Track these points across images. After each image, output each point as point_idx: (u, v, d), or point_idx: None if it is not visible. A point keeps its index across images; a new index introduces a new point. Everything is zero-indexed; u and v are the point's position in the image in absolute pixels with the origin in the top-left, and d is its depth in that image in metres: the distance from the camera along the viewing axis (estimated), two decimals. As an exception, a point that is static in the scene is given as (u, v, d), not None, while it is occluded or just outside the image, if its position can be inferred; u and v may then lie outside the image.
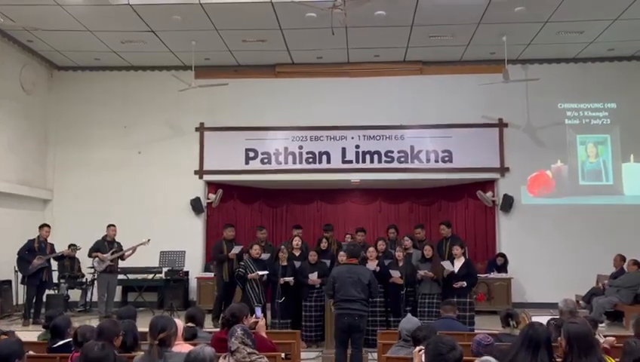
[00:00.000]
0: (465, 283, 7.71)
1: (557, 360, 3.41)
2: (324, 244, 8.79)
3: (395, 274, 7.70)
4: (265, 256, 8.45)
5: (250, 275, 8.00)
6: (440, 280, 7.76)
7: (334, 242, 9.43)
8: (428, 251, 7.98)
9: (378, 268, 7.74)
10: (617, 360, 3.69)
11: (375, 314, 7.63)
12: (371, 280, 6.36)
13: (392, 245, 8.83)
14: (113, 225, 9.76)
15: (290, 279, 7.88)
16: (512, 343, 3.53)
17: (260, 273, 7.97)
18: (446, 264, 7.78)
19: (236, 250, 9.01)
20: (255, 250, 8.24)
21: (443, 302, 6.55)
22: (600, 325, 5.98)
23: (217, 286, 9.39)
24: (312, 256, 8.09)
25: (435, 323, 5.85)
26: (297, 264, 8.22)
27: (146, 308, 10.20)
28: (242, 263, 8.31)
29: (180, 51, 11.09)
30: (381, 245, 8.50)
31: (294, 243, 8.52)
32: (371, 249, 8.04)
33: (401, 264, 7.88)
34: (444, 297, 7.61)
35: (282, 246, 8.41)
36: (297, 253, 8.45)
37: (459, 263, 7.96)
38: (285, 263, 8.02)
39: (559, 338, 3.46)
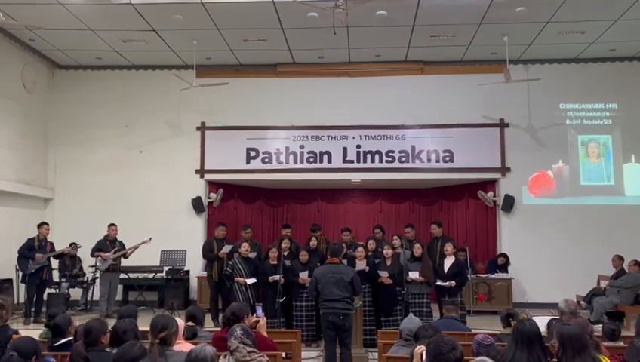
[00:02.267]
0: (454, 283, 7.71)
1: (553, 360, 3.43)
2: (313, 243, 8.74)
3: (384, 275, 7.68)
4: (252, 255, 8.43)
5: (237, 279, 8.00)
6: (430, 282, 7.75)
7: (323, 241, 9.41)
8: (417, 250, 7.95)
9: (367, 268, 7.73)
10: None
11: (364, 313, 7.60)
12: (354, 278, 6.35)
13: (379, 244, 8.79)
14: (114, 225, 9.80)
15: (278, 277, 7.82)
16: (508, 344, 3.54)
17: (248, 281, 7.96)
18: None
19: (226, 249, 8.99)
20: (244, 247, 8.24)
21: (445, 302, 6.57)
22: (596, 326, 5.98)
23: (209, 286, 9.39)
24: (303, 256, 8.03)
25: (437, 322, 5.85)
26: (287, 263, 8.19)
27: (147, 307, 10.22)
28: (230, 262, 8.31)
29: (182, 50, 11.10)
30: (371, 244, 8.48)
31: (283, 245, 8.39)
32: (360, 249, 8.00)
33: (389, 263, 7.86)
34: (435, 297, 7.61)
35: (274, 248, 8.33)
36: (286, 253, 8.41)
37: (449, 262, 7.95)
38: (276, 262, 8.01)
39: (552, 340, 3.47)
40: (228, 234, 9.70)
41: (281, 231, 9.67)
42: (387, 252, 7.93)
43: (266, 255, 8.34)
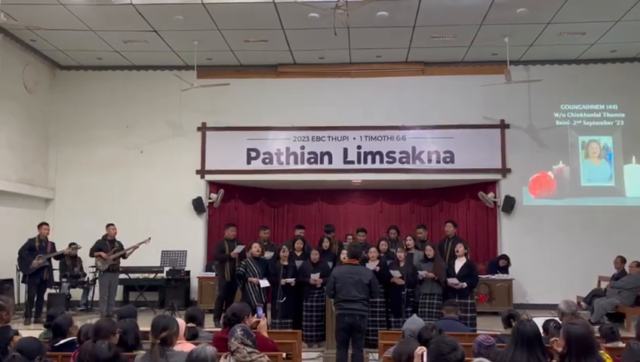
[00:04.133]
0: (465, 284, 7.69)
1: (553, 361, 3.42)
2: (325, 244, 8.77)
3: (396, 274, 7.69)
4: (268, 255, 8.45)
5: (251, 279, 8.02)
6: (441, 280, 7.74)
7: (335, 242, 9.42)
8: (429, 251, 7.96)
9: (379, 268, 7.73)
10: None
11: (375, 314, 7.63)
12: (372, 280, 6.36)
13: (393, 245, 8.82)
14: (113, 225, 9.78)
15: (291, 280, 7.89)
16: (507, 345, 3.53)
17: (262, 284, 7.98)
18: (450, 280, 7.72)
19: (238, 249, 9.01)
20: (255, 248, 8.26)
21: (445, 303, 6.53)
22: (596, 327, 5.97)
23: (219, 286, 9.39)
24: (315, 255, 8.08)
25: (437, 323, 5.85)
26: (299, 263, 8.23)
27: (148, 308, 10.22)
28: (243, 262, 8.33)
29: (182, 51, 11.11)
30: (383, 245, 8.47)
31: (296, 245, 8.49)
32: (372, 249, 8.02)
33: (402, 264, 7.88)
34: (445, 298, 7.61)
35: (284, 246, 8.41)
36: (299, 253, 8.46)
37: (460, 263, 7.94)
38: (287, 263, 8.03)
39: (555, 339, 3.46)
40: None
41: (295, 232, 9.68)
42: (400, 255, 7.95)
43: (278, 255, 8.37)
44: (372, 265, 7.69)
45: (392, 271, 7.73)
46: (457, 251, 7.99)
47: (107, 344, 3.44)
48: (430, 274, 7.69)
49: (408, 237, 8.90)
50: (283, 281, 7.88)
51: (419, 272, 7.74)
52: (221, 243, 9.40)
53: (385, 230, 10.28)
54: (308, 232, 11.53)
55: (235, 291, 9.05)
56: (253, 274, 8.06)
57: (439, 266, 7.81)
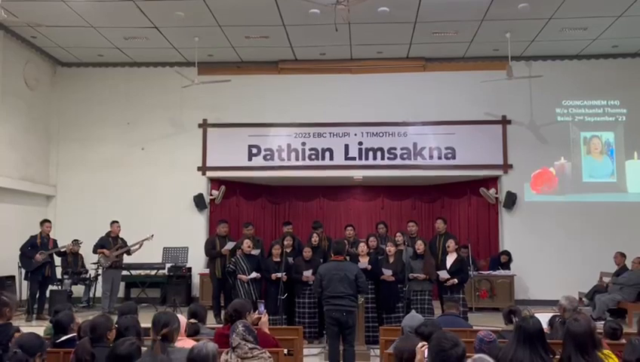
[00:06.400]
0: (456, 280, 7.71)
1: (556, 357, 3.41)
2: (315, 239, 8.69)
3: (387, 273, 7.68)
4: (255, 252, 8.44)
5: (240, 276, 8.02)
6: (432, 278, 7.76)
7: (325, 238, 9.39)
8: (420, 246, 7.96)
9: (370, 267, 7.72)
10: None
11: (367, 310, 7.61)
12: (358, 275, 6.34)
13: (382, 241, 8.78)
14: (117, 222, 9.82)
15: (281, 274, 7.84)
16: (509, 342, 3.52)
17: (249, 277, 7.97)
18: (441, 273, 7.76)
19: (229, 246, 9.00)
20: (246, 244, 8.27)
21: (445, 299, 6.56)
22: (598, 323, 5.97)
23: (212, 283, 9.42)
24: (307, 253, 8.05)
25: (438, 319, 5.86)
26: (290, 260, 8.21)
27: (149, 304, 10.24)
28: (233, 259, 8.35)
29: (183, 47, 11.09)
30: (372, 241, 8.46)
31: (286, 242, 8.45)
32: (362, 245, 8.01)
33: (392, 260, 7.86)
34: (437, 294, 7.64)
35: (276, 245, 8.37)
36: (289, 250, 8.44)
37: (451, 259, 7.96)
38: (279, 259, 8.02)
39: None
40: (230, 231, 9.69)
41: (282, 229, 9.67)
42: (390, 249, 7.93)
43: (269, 252, 8.35)
44: (363, 263, 7.67)
45: (384, 270, 7.72)
46: (448, 247, 8.04)
47: (131, 341, 3.41)
48: (421, 276, 7.68)
49: (398, 233, 8.87)
50: (274, 276, 7.86)
51: (410, 275, 7.72)
52: (212, 240, 9.41)
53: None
54: (308, 229, 11.52)
55: (227, 287, 9.01)
56: (243, 270, 8.08)
57: (429, 264, 7.83)
